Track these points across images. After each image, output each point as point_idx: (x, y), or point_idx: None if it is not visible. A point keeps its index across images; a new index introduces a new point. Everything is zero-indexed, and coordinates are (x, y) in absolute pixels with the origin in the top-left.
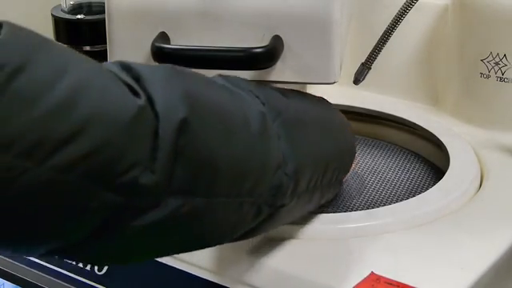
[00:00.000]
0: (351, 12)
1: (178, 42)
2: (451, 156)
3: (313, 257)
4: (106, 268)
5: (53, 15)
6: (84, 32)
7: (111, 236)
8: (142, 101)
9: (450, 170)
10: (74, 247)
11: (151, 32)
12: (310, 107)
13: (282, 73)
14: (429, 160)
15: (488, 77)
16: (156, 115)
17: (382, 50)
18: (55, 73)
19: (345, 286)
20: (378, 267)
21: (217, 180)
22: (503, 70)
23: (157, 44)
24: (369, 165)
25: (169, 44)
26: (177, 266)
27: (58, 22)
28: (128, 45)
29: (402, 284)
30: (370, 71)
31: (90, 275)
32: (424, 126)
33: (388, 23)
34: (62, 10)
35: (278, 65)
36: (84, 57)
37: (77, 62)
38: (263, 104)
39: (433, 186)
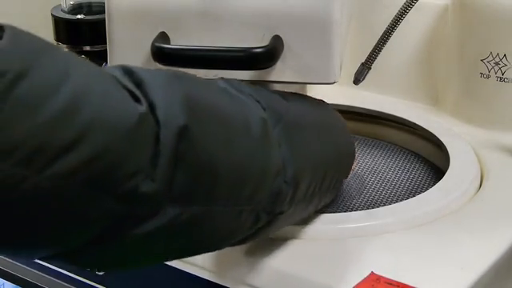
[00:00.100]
0: (351, 12)
1: (178, 42)
2: (451, 156)
3: (313, 257)
4: None
5: (53, 15)
6: (84, 32)
7: (111, 243)
8: (143, 107)
9: (449, 170)
10: (73, 253)
11: (151, 32)
12: (310, 110)
13: (282, 73)
14: (429, 160)
15: (488, 77)
16: (157, 121)
17: (382, 50)
18: (58, 78)
19: (345, 286)
20: (378, 267)
21: (216, 187)
22: (503, 70)
23: (157, 44)
24: (369, 165)
25: (169, 44)
26: (177, 267)
27: (58, 22)
28: (128, 45)
29: (402, 284)
30: (370, 71)
31: (90, 275)
32: (424, 126)
33: (388, 23)
34: (62, 10)
35: (278, 65)
36: (85, 61)
37: (79, 66)
38: (264, 109)
39: (433, 186)
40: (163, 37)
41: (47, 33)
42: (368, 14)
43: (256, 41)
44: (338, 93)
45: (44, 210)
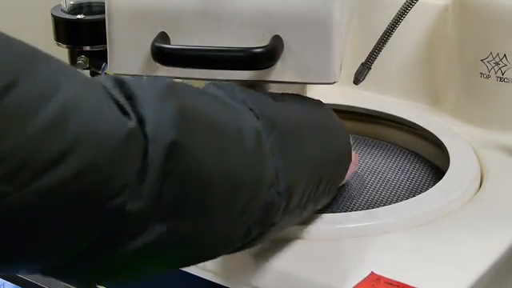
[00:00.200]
0: (351, 12)
1: (178, 42)
2: (451, 156)
3: (313, 257)
4: None
5: (53, 15)
6: (84, 32)
7: (98, 259)
8: (132, 122)
9: (450, 170)
10: (61, 268)
11: (151, 32)
12: (304, 113)
13: (282, 73)
14: (429, 160)
15: (488, 77)
16: (146, 136)
17: (382, 50)
18: (49, 87)
19: (345, 286)
20: (378, 267)
21: (207, 201)
22: (503, 69)
23: (157, 44)
24: (369, 165)
25: (169, 44)
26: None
27: (58, 22)
28: (128, 45)
29: (402, 284)
30: (370, 71)
31: None
32: (424, 126)
33: (388, 23)
34: (62, 10)
35: (278, 65)
36: (76, 71)
37: (70, 76)
38: (257, 117)
39: (433, 186)
40: (163, 37)
41: (47, 33)
42: (368, 14)
43: (256, 41)
44: (338, 93)
45: (30, 223)
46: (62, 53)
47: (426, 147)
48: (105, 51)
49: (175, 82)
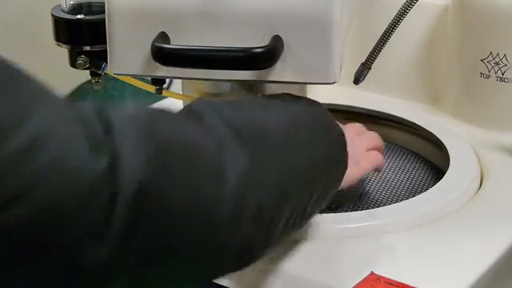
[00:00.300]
0: (352, 12)
1: (178, 42)
2: (451, 156)
3: (313, 257)
4: None
5: (53, 15)
6: (84, 32)
7: None
8: (103, 163)
9: (450, 170)
10: None
11: (151, 32)
12: (292, 120)
13: (282, 73)
14: (429, 160)
15: (488, 77)
16: (116, 177)
17: (382, 50)
18: (19, 115)
19: (345, 286)
20: (378, 267)
21: (176, 244)
22: (503, 69)
23: (157, 44)
24: None
25: (169, 44)
26: None
27: (58, 22)
28: (128, 45)
29: (402, 284)
30: (370, 71)
31: None
32: (424, 126)
33: (388, 23)
34: (62, 10)
35: (278, 65)
36: (55, 96)
37: (45, 103)
38: (244, 148)
39: (433, 186)
40: (163, 37)
41: (47, 33)
42: (368, 14)
43: (256, 41)
44: (338, 93)
45: None
46: (62, 53)
47: (425, 147)
48: (105, 51)
49: (159, 115)
